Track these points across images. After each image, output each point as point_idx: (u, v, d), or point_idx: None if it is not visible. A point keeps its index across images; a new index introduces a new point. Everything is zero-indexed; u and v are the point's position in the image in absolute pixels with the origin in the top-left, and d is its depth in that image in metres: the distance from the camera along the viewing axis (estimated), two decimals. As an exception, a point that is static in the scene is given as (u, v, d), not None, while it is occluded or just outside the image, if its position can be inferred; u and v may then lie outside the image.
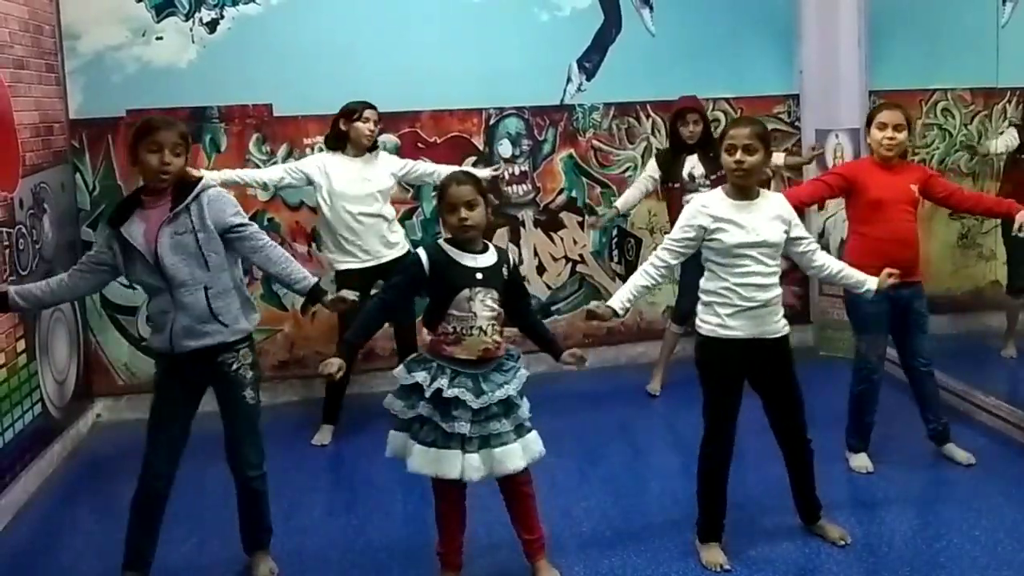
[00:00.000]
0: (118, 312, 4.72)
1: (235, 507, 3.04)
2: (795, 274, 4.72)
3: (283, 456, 3.82)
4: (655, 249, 3.04)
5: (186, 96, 4.64)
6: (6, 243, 3.72)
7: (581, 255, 5.24)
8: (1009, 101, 5.02)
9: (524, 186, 5.12)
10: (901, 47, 5.17)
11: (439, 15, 4.89)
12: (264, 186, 4.27)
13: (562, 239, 5.20)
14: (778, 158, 4.52)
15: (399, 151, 4.78)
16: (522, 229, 5.14)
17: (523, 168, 5.10)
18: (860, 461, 3.68)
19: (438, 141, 4.96)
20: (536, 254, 5.17)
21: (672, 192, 4.55)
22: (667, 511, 3.38)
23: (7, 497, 3.59)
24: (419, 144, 4.91)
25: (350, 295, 2.94)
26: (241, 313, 2.88)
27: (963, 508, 3.32)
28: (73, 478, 4.04)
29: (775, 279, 2.93)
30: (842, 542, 3.07)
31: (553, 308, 5.20)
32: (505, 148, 5.07)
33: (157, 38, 4.63)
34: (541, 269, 5.18)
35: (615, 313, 2.91)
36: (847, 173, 3.66)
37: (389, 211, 4.28)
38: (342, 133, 4.20)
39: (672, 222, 4.56)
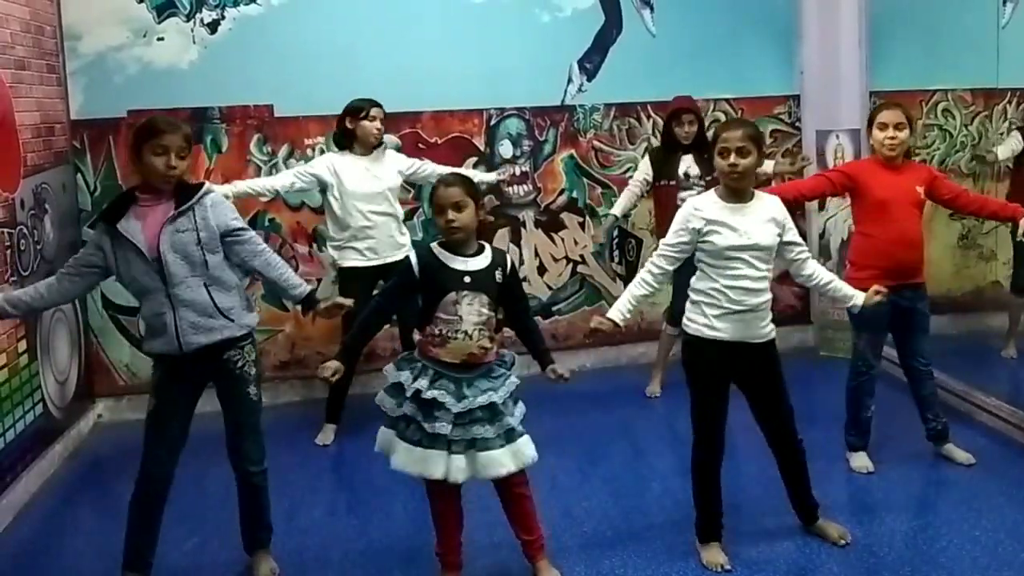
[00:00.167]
0: (119, 312, 4.72)
1: (235, 507, 3.05)
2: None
3: (284, 456, 3.82)
4: (655, 249, 3.04)
5: (187, 97, 4.65)
6: (7, 244, 3.73)
7: (582, 255, 5.24)
8: (1009, 102, 5.03)
9: (525, 187, 5.13)
10: (902, 48, 5.18)
11: (440, 16, 4.89)
12: (276, 193, 4.26)
13: (563, 240, 5.20)
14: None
15: (400, 151, 4.77)
16: (523, 230, 5.14)
17: (524, 168, 5.11)
18: (860, 461, 3.68)
19: (439, 142, 4.96)
20: (537, 254, 5.17)
21: (666, 190, 4.51)
22: (668, 511, 3.38)
23: (8, 497, 3.59)
24: (420, 144, 4.91)
25: (345, 302, 2.97)
26: (244, 309, 2.90)
27: (963, 508, 3.32)
28: (74, 478, 4.04)
29: (766, 284, 2.91)
30: (842, 541, 3.07)
31: (554, 308, 5.21)
32: (506, 148, 5.07)
33: (158, 39, 4.64)
34: (542, 269, 5.18)
35: (616, 325, 2.92)
36: (851, 172, 3.65)
37: (399, 210, 4.29)
38: (349, 132, 4.19)
39: (660, 220, 4.58)
